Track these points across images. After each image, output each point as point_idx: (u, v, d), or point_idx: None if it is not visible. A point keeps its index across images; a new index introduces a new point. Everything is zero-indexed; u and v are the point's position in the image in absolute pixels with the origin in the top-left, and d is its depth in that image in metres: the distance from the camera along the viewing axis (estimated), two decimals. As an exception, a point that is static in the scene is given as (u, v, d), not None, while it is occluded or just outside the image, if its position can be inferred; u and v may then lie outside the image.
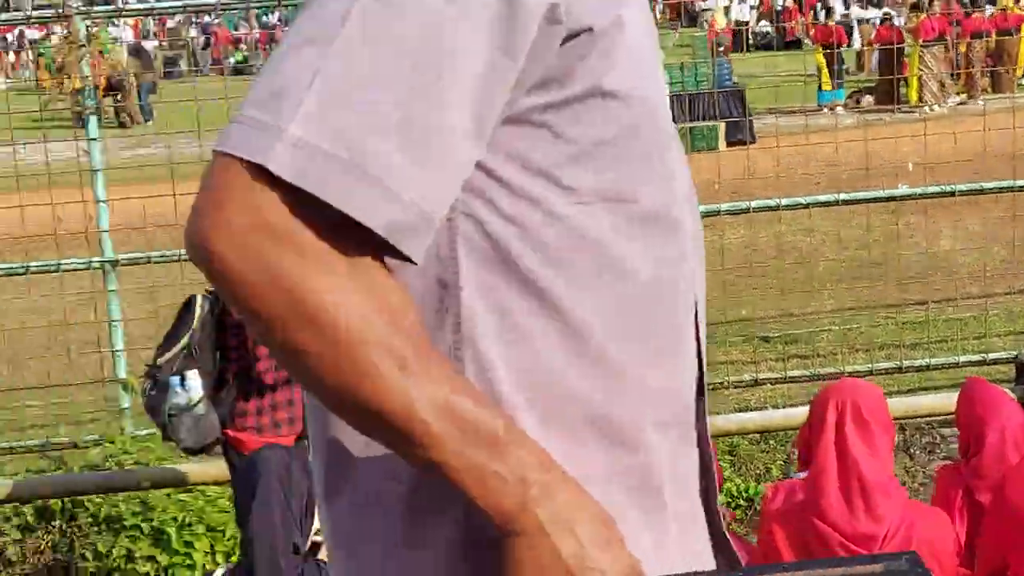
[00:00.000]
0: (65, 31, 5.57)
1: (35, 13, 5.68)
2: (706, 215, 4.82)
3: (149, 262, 5.52)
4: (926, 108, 14.97)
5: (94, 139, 5.42)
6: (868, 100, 15.92)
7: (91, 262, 5.51)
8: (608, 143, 1.04)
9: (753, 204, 5.80)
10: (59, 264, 5.50)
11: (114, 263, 5.44)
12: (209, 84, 14.41)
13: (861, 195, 6.05)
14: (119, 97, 17.71)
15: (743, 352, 6.26)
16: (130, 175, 6.97)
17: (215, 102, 5.71)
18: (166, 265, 5.49)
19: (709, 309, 1.27)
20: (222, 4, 5.73)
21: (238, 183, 0.90)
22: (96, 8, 5.58)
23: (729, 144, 13.18)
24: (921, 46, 15.69)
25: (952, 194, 6.05)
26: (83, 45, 5.33)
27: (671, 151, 1.11)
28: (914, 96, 15.77)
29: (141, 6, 6.88)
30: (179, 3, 5.74)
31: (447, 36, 0.94)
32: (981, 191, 6.03)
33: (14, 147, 5.72)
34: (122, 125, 17.57)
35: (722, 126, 13.34)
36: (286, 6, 5.55)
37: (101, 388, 5.89)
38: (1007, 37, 17.49)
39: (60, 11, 5.42)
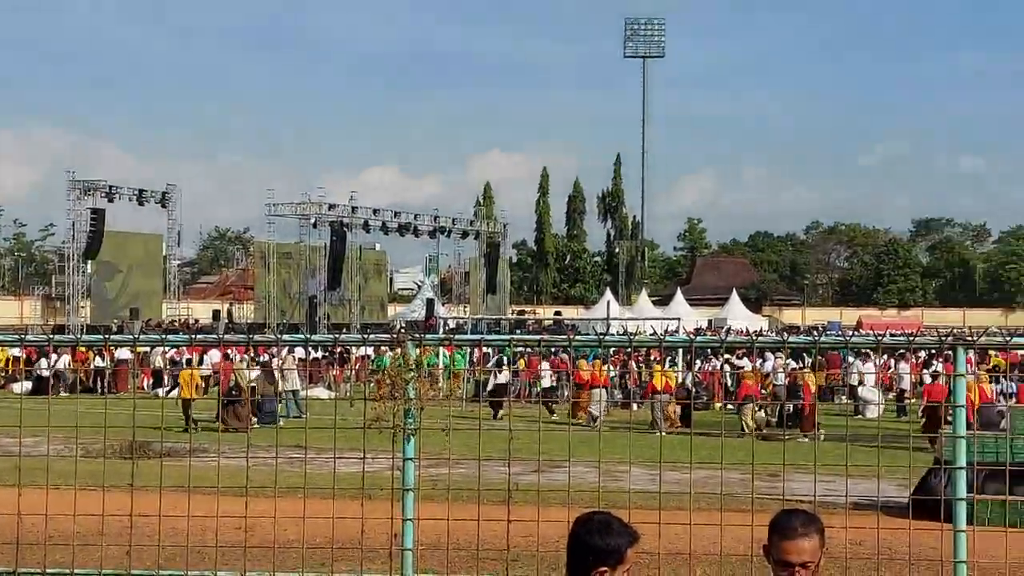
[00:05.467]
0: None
1: (371, 336, 6.14)
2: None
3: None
4: None
5: (410, 459, 5.62)
6: None
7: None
8: None
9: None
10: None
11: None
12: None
13: None
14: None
15: None
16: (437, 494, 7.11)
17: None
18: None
19: None
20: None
21: None
22: (429, 336, 5.94)
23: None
24: None
25: None
26: (411, 369, 5.64)
27: None
28: None
29: (472, 337, 7.26)
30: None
31: None
32: None
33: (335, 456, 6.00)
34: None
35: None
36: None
37: None
38: None
39: (395, 336, 5.80)
